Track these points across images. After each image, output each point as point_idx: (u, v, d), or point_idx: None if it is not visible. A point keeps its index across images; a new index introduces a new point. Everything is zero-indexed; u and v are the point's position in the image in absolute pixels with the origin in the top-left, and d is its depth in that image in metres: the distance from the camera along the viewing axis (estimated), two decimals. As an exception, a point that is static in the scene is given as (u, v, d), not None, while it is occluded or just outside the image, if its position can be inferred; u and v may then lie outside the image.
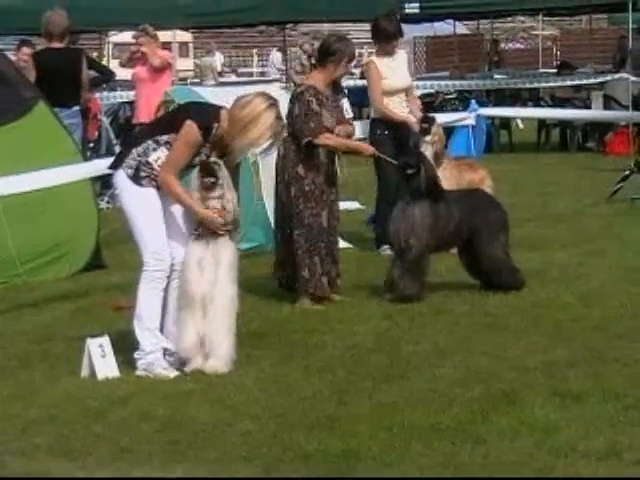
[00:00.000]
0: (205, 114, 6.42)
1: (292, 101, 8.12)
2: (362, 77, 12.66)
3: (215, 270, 6.33)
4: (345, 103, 9.96)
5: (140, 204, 6.39)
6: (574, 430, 5.25)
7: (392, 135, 9.75)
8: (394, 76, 9.93)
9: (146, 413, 5.68)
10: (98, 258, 9.52)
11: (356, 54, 8.84)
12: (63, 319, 7.81)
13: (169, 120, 6.62)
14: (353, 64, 8.69)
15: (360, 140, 9.29)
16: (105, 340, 6.37)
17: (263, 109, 6.33)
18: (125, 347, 6.51)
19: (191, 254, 6.36)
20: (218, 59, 33.10)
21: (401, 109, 9.96)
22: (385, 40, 9.92)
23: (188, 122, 6.31)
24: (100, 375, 6.27)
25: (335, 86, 8.37)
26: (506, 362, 6.43)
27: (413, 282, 8.01)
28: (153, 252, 6.37)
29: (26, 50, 12.72)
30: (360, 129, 10.01)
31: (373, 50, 10.57)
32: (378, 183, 9.98)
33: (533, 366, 6.31)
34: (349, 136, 8.24)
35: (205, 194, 6.30)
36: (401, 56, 10.09)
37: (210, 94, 10.47)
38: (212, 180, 6.28)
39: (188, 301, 6.34)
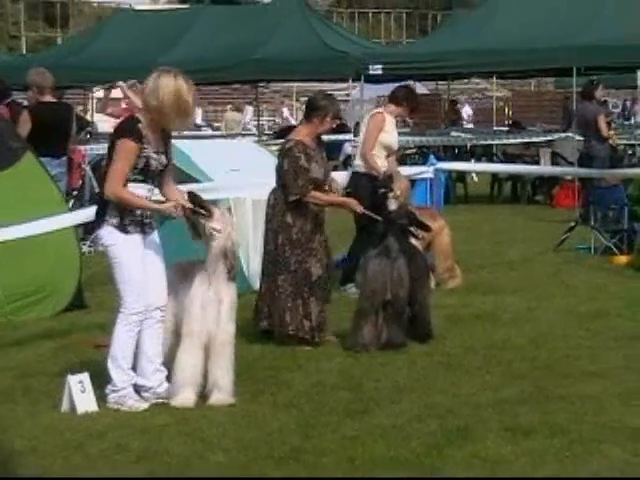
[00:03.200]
0: (127, 126, 6.34)
1: (281, 155, 8.07)
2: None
3: (217, 308, 6.31)
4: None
5: (123, 250, 6.30)
6: (523, 463, 5.24)
7: (371, 188, 9.42)
8: (392, 134, 10.20)
9: (122, 445, 5.62)
10: (80, 299, 9.45)
11: (341, 111, 8.88)
12: (45, 356, 7.74)
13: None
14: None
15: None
16: (85, 376, 6.30)
17: (171, 83, 6.69)
18: (104, 383, 6.43)
19: (195, 296, 6.32)
20: (245, 114, 31.98)
21: (383, 164, 10.05)
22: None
23: (121, 140, 6.27)
24: (80, 409, 6.20)
25: (318, 140, 8.33)
26: (460, 399, 6.42)
27: (400, 330, 7.79)
28: (132, 296, 6.30)
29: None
30: (345, 180, 10.04)
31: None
32: (357, 231, 9.83)
33: (485, 403, 6.31)
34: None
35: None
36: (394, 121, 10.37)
37: (189, 148, 10.42)
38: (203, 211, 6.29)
39: (190, 338, 6.30)
